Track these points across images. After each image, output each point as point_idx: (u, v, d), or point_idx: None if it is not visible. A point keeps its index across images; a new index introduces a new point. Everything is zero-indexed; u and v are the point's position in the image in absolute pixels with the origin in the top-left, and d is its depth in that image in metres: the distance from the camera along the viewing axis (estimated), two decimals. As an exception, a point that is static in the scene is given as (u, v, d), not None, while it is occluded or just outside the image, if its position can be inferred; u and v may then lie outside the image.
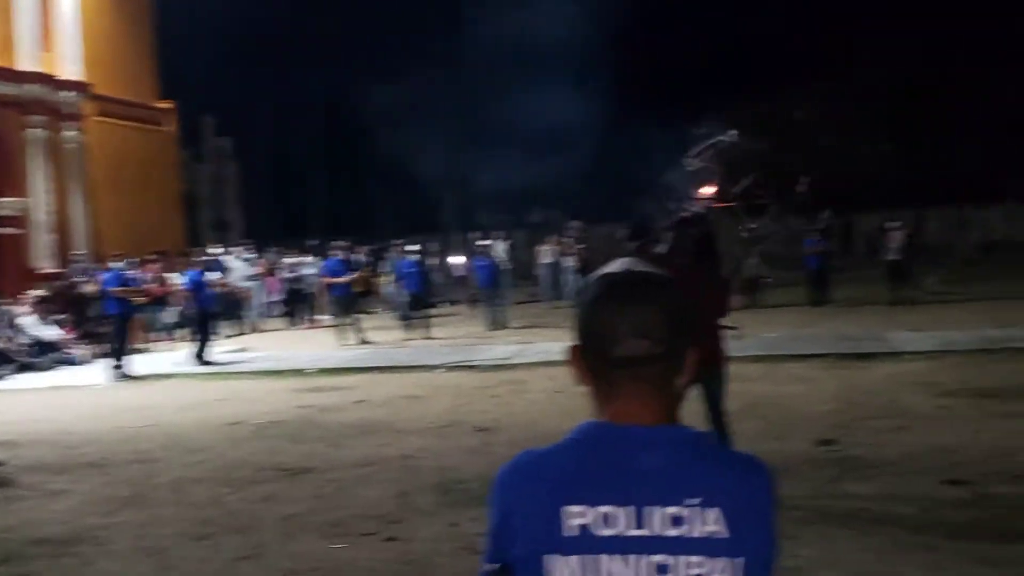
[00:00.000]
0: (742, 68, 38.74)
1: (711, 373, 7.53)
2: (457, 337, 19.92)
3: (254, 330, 23.40)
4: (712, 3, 41.93)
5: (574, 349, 1.78)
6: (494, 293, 21.69)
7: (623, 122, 35.00)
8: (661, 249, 7.52)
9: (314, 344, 19.92)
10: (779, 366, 13.81)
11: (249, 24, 37.35)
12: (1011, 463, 8.12)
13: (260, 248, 28.46)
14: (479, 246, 23.60)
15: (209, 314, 17.90)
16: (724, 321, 7.75)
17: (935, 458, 8.43)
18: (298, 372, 16.05)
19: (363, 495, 8.26)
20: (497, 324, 21.03)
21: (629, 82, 36.55)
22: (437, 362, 16.10)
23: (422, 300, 20.96)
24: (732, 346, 7.86)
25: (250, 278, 24.05)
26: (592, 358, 1.75)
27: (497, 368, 15.31)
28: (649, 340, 1.70)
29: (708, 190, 17.35)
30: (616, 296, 1.73)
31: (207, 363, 17.19)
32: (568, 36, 36.52)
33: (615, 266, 1.81)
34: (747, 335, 12.59)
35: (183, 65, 31.20)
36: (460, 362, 15.99)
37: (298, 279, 24.70)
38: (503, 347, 17.38)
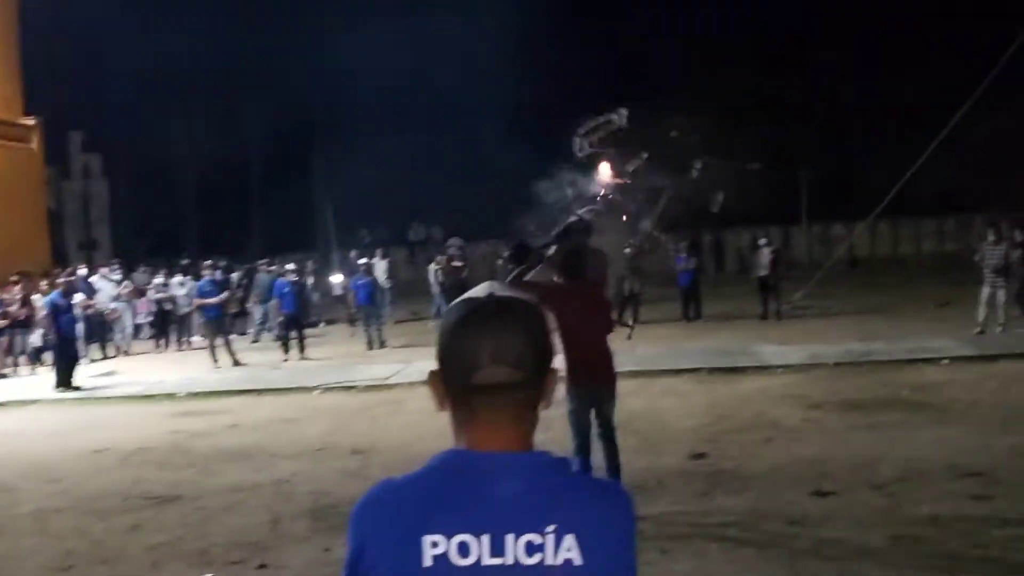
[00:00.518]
0: (621, 84, 39.33)
1: (607, 393, 7.47)
2: (335, 357, 19.69)
3: (122, 353, 22.71)
4: (595, 19, 42.54)
5: (434, 374, 1.76)
6: (373, 312, 21.50)
7: (504, 135, 35.13)
8: (536, 274, 7.48)
9: (185, 367, 19.43)
10: (652, 381, 14.01)
11: (116, 38, 36.36)
12: (875, 474, 8.38)
13: (129, 268, 27.67)
14: (358, 264, 23.37)
15: (70, 338, 17.28)
16: (624, 321, 7.77)
17: (803, 469, 8.66)
18: (168, 396, 15.64)
19: (233, 522, 8.07)
20: (376, 343, 20.86)
21: (510, 94, 36.80)
22: (313, 383, 15.86)
23: (298, 320, 20.62)
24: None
25: (118, 299, 23.33)
26: (452, 384, 1.73)
27: (375, 388, 15.17)
28: (509, 367, 1.69)
29: (604, 174, 17.31)
30: (477, 322, 1.71)
31: (72, 388, 16.61)
32: (448, 50, 36.58)
33: (478, 291, 1.80)
34: (634, 338, 12.83)
35: (49, 80, 30.20)
36: (337, 383, 15.79)
37: (168, 300, 24.04)
38: (381, 367, 17.22)
